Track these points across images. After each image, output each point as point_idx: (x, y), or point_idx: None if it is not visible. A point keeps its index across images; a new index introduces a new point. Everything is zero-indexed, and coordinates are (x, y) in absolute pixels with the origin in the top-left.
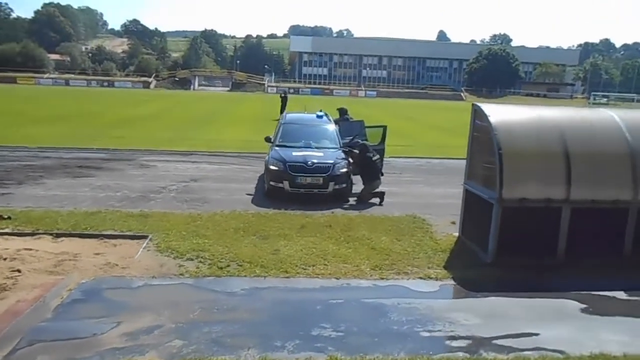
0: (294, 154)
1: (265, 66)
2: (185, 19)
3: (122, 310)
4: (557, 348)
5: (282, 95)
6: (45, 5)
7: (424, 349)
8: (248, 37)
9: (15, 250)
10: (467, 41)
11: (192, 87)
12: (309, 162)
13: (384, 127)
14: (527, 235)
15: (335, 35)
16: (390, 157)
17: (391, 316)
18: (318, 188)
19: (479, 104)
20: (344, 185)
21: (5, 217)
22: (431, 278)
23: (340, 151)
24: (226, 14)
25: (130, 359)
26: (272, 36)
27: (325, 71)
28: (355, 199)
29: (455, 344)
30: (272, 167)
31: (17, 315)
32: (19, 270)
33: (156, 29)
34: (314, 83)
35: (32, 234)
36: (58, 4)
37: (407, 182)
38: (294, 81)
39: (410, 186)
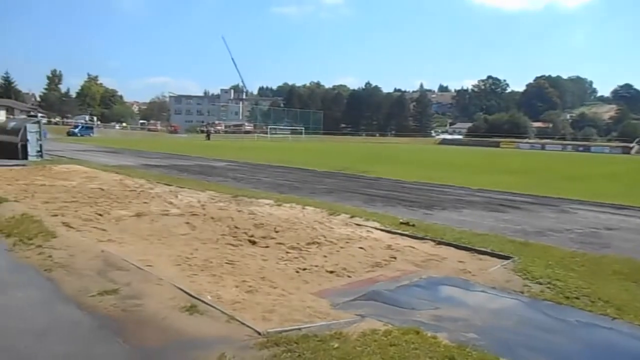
0: None
1: None
2: None
3: (437, 302)
4: None
5: None
6: (537, 78)
7: None
8: None
9: (403, 246)
10: None
11: None
12: None
13: None
14: None
15: None
16: None
17: None
18: None
19: None
20: None
21: (411, 224)
22: None
23: None
24: None
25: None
26: None
27: None
28: None
29: None
30: None
31: (373, 282)
32: (394, 257)
33: None
34: None
35: (419, 238)
36: (549, 76)
37: None
38: None
39: None
